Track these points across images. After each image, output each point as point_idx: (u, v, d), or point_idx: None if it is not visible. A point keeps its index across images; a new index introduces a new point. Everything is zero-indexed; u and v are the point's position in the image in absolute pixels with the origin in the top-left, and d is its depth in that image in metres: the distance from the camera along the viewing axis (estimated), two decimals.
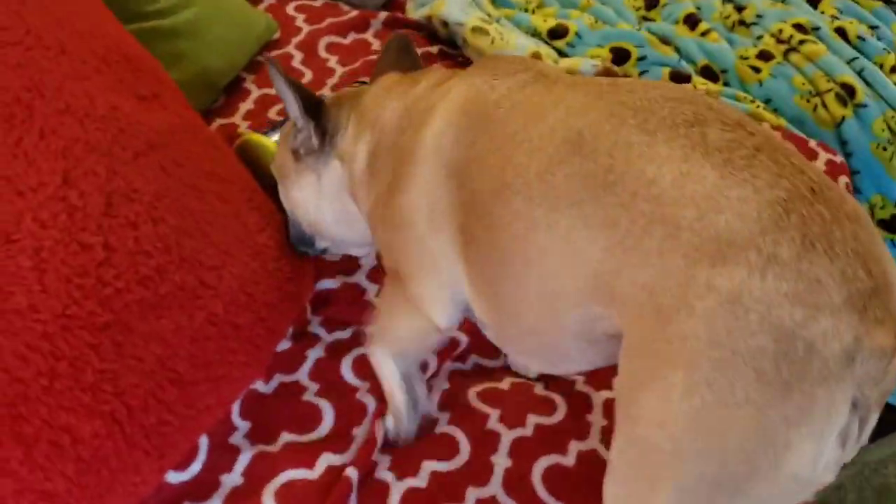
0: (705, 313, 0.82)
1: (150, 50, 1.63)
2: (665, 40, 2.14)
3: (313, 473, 1.21)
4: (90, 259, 1.12)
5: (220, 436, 1.25)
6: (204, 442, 1.24)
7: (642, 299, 0.88)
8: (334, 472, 1.21)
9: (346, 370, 1.37)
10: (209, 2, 1.84)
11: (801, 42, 2.07)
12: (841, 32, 2.13)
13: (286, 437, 1.27)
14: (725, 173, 0.86)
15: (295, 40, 2.01)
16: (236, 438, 1.26)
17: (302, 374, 1.35)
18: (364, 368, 1.35)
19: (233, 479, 1.21)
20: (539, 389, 1.36)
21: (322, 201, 1.33)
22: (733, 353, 0.81)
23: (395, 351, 1.27)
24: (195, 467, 1.21)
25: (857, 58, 2.05)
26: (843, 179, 1.81)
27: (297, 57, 1.96)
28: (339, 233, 1.35)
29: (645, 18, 2.27)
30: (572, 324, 1.01)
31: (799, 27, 2.13)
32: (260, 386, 1.32)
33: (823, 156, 1.83)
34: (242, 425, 1.28)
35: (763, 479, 0.85)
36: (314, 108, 1.27)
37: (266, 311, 1.27)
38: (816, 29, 2.12)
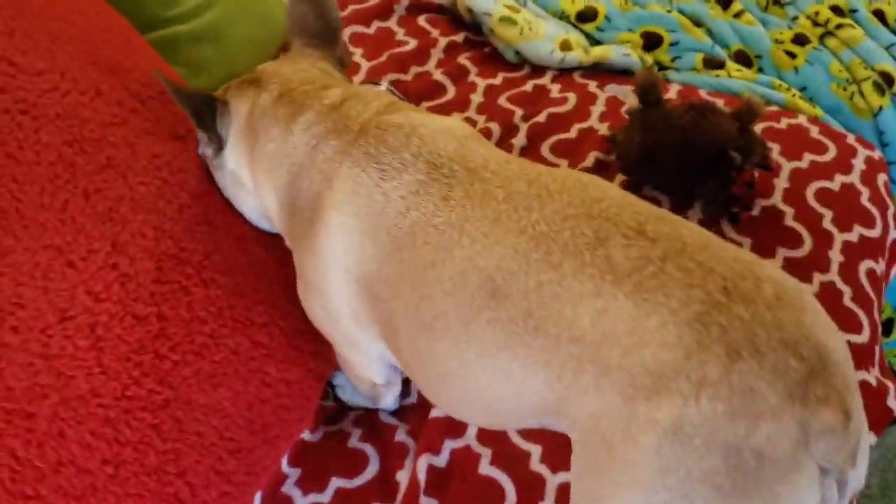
0: (651, 446, 0.85)
1: (173, 59, 1.60)
2: (697, 22, 2.08)
3: None
4: (146, 332, 1.12)
5: (272, 486, 1.27)
6: (258, 495, 1.26)
7: (589, 426, 0.91)
8: None
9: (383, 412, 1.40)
10: (232, 1, 1.78)
11: (839, 26, 2.02)
12: (879, 15, 2.08)
13: (335, 482, 1.29)
14: (639, 300, 0.88)
15: None
16: (288, 487, 1.28)
17: (346, 424, 1.37)
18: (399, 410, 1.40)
19: None
20: None
21: (232, 194, 1.30)
22: (687, 476, 0.84)
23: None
24: None
25: (895, 43, 2.00)
26: (882, 177, 1.79)
27: None
28: (264, 226, 1.32)
29: None
30: (518, 424, 1.07)
31: (836, 9, 2.06)
32: (306, 435, 1.34)
33: (862, 152, 1.80)
34: (292, 473, 1.30)
35: None
36: (207, 114, 1.22)
37: (314, 362, 1.28)
38: (854, 11, 2.07)
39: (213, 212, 1.27)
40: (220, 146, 1.24)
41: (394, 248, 1.05)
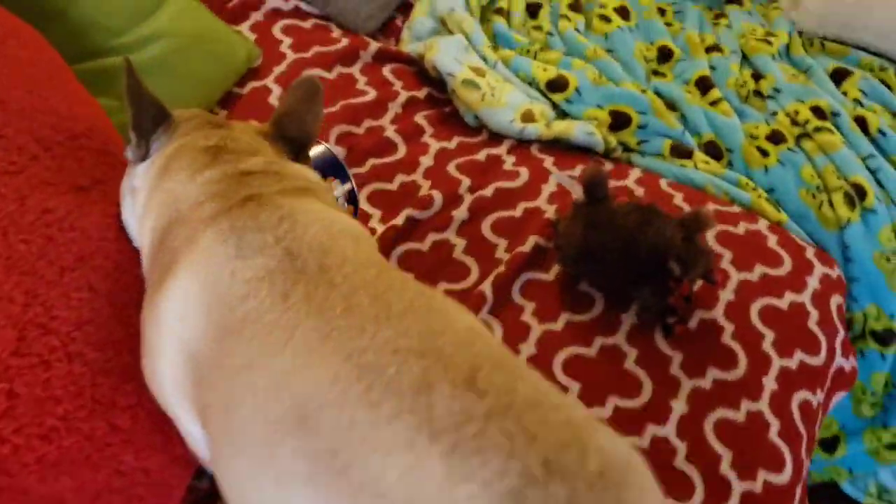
0: None
1: (107, 90, 1.53)
2: (672, 105, 2.00)
3: None
4: None
5: None
6: None
7: None
8: None
9: None
10: (183, 32, 1.71)
11: (817, 129, 1.93)
12: (861, 122, 1.99)
13: None
14: (453, 464, 0.79)
15: (277, 70, 1.88)
16: None
17: None
18: None
19: None
20: None
21: (124, 209, 1.24)
22: None
23: None
24: None
25: (873, 155, 1.91)
26: (837, 299, 1.71)
27: (276, 92, 1.84)
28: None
29: (655, 73, 2.12)
30: None
31: (817, 110, 1.98)
32: None
33: (819, 269, 1.72)
34: None
35: None
36: (149, 121, 1.18)
37: (182, 447, 1.20)
38: (836, 115, 1.98)
39: (97, 277, 1.20)
40: (144, 156, 1.19)
41: (223, 334, 0.96)
